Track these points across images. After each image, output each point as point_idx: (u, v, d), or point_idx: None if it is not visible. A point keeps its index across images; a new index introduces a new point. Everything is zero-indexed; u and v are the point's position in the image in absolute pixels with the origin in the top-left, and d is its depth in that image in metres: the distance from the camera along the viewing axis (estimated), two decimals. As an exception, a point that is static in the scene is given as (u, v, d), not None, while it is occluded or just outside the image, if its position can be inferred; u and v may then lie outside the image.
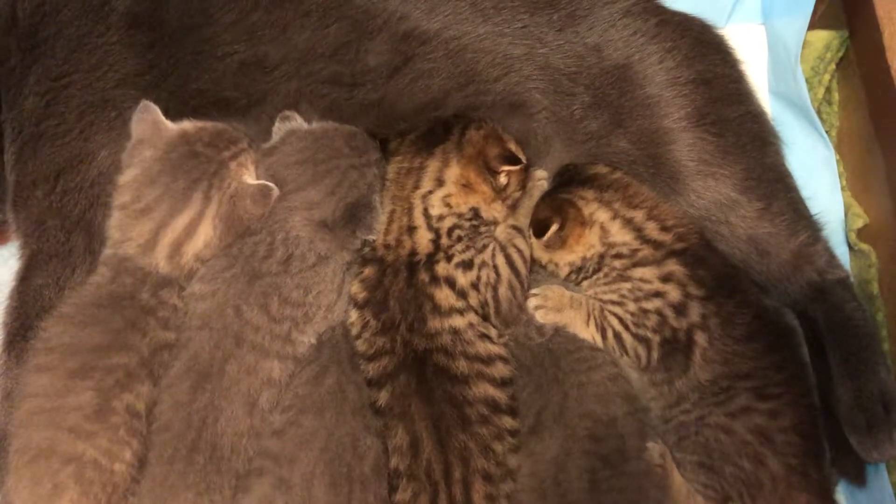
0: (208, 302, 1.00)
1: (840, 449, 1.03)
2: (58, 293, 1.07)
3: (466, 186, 1.06)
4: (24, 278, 1.09)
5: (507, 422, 0.98)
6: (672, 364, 1.01)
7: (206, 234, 1.01)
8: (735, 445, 0.97)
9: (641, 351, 1.02)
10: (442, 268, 1.02)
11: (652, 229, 1.05)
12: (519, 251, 1.06)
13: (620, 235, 1.05)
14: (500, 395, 0.98)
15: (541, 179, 1.13)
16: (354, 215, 1.03)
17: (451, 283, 1.01)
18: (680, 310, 1.01)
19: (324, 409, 0.97)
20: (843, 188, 1.22)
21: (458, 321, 1.00)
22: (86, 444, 0.90)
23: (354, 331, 1.02)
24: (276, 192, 1.03)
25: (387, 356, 0.99)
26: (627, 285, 1.04)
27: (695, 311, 1.01)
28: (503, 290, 1.03)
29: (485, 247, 1.05)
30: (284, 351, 1.00)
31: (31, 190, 1.09)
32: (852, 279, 1.12)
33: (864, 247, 1.16)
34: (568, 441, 0.97)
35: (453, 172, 1.06)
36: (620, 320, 1.03)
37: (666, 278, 1.03)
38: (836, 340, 1.06)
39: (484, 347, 1.00)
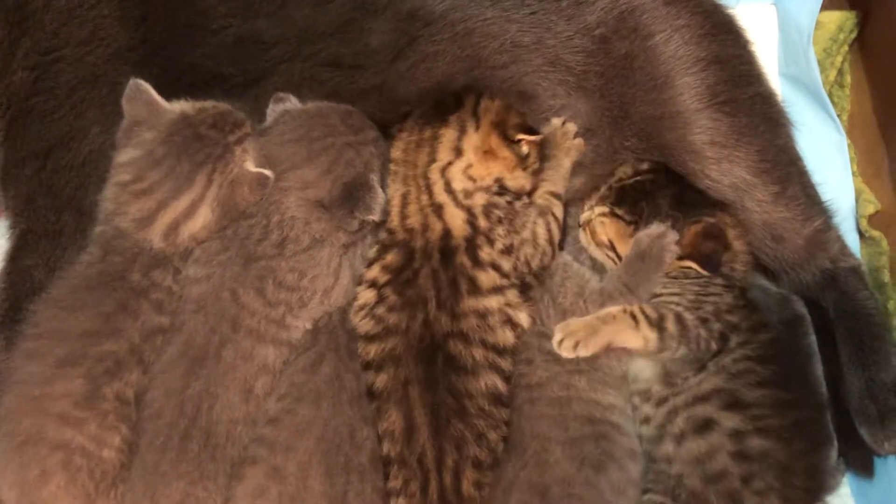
0: (204, 285, 0.98)
1: (849, 440, 1.02)
2: (48, 274, 1.05)
3: (488, 153, 1.01)
4: (14, 259, 1.07)
5: (504, 413, 0.96)
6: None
7: (204, 215, 0.99)
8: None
9: (703, 332, 0.97)
10: (486, 253, 0.98)
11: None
12: (556, 218, 1.04)
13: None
14: (503, 388, 0.96)
15: (575, 136, 1.09)
16: (352, 195, 1.00)
17: (496, 266, 0.98)
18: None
19: (320, 397, 0.95)
20: (853, 173, 1.21)
21: (493, 302, 0.97)
22: (74, 430, 0.89)
23: (363, 306, 0.99)
24: (271, 180, 1.01)
25: (395, 337, 0.95)
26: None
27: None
28: (535, 258, 1.02)
29: (524, 225, 1.02)
30: (279, 336, 0.98)
31: (21, 168, 1.07)
32: (864, 267, 1.11)
33: (876, 234, 1.15)
34: (516, 467, 0.94)
35: (472, 140, 1.01)
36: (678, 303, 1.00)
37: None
38: (847, 330, 1.05)
39: (504, 336, 0.97)
